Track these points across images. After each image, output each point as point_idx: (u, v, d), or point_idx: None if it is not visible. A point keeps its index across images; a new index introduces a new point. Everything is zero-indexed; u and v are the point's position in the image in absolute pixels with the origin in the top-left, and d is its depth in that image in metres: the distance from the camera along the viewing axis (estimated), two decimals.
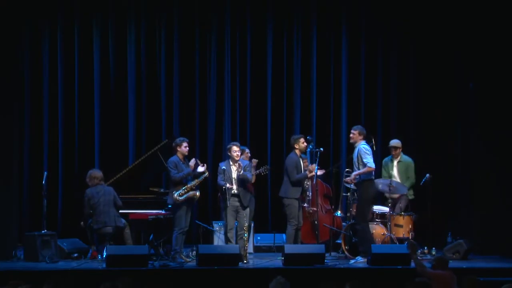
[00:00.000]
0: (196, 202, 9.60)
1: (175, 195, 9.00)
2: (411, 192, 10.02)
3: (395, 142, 10.12)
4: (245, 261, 8.79)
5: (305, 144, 9.45)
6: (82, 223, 9.30)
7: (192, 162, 9.20)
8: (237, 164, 9.24)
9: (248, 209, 9.25)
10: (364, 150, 9.05)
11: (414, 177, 10.01)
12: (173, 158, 9.22)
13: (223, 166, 9.24)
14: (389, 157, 10.16)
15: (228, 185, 9.05)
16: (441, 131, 11.29)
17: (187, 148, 9.30)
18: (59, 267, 8.65)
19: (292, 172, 9.31)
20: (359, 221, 9.17)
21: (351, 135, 9.24)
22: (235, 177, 9.21)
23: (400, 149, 10.08)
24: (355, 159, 9.12)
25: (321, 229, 9.66)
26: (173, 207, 9.16)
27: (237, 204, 9.15)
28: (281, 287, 5.36)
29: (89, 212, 9.17)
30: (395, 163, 10.06)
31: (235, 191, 9.15)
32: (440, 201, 10.49)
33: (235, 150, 9.28)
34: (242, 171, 9.15)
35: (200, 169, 9.19)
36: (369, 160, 8.98)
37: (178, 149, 9.25)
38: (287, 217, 9.36)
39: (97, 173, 9.39)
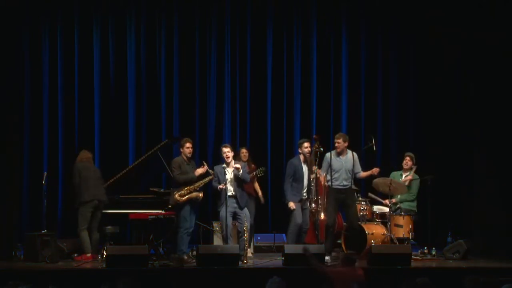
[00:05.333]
0: (196, 201, 9.53)
1: (176, 195, 8.98)
2: (414, 204, 9.94)
3: (412, 154, 10.11)
4: (245, 261, 8.79)
5: (309, 149, 9.39)
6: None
7: (201, 170, 9.12)
8: (230, 165, 9.18)
9: (246, 210, 9.21)
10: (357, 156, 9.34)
11: (415, 192, 9.91)
12: (177, 158, 9.17)
13: (216, 168, 9.18)
14: (399, 172, 10.10)
15: (220, 186, 8.99)
16: (441, 131, 11.28)
17: (189, 149, 9.24)
18: (59, 267, 8.65)
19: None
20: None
21: (336, 144, 9.23)
22: (231, 178, 9.11)
23: (412, 164, 10.02)
24: (349, 166, 9.14)
25: (321, 229, 9.65)
26: (176, 207, 9.13)
27: (235, 205, 9.09)
28: (276, 287, 5.35)
29: (78, 186, 9.21)
30: (403, 176, 10.01)
31: (232, 193, 9.10)
32: (440, 202, 10.49)
33: (224, 151, 9.19)
34: (241, 172, 9.10)
35: (200, 171, 9.14)
36: None
37: (181, 149, 9.22)
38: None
39: (88, 153, 9.60)
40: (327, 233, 9.20)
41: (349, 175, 9.15)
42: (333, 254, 9.32)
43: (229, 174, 9.12)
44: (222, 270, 8.17)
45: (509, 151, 10.04)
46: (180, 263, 8.55)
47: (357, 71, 11.60)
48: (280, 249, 9.23)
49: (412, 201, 9.91)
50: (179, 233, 9.01)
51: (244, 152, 9.97)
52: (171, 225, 9.42)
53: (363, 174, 9.37)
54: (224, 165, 9.16)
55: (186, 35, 11.43)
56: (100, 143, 11.19)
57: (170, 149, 10.22)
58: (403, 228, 9.58)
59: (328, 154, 9.30)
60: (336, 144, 9.22)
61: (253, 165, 10.00)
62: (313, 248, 8.76)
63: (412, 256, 8.67)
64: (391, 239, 9.37)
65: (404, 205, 9.83)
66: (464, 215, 10.61)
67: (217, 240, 10.07)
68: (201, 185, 9.14)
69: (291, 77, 11.55)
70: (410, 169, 9.98)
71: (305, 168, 9.33)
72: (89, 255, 9.09)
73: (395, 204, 9.79)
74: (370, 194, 9.92)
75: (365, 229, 9.30)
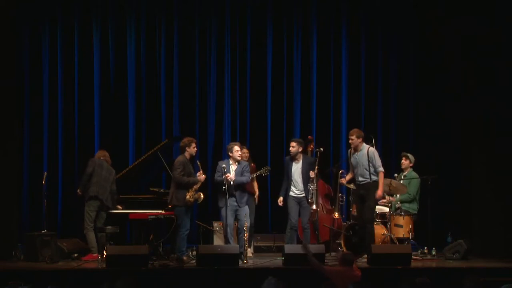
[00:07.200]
0: (195, 202, 9.54)
1: (187, 197, 8.98)
2: (415, 206, 9.94)
3: (408, 154, 10.11)
4: (245, 261, 8.79)
5: (294, 148, 9.31)
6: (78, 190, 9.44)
7: (203, 177, 9.15)
8: (237, 163, 9.21)
9: (247, 208, 9.23)
10: (375, 152, 9.14)
11: (414, 193, 9.92)
12: (180, 158, 9.15)
13: (223, 164, 9.17)
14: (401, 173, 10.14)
15: (228, 176, 8.98)
16: (441, 131, 11.28)
17: (196, 149, 9.27)
18: (59, 267, 8.65)
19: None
20: (370, 221, 9.17)
21: (350, 140, 9.22)
22: (234, 177, 9.15)
23: (410, 164, 10.04)
24: (364, 162, 9.10)
25: (321, 229, 9.67)
26: (177, 208, 9.12)
27: (235, 203, 9.13)
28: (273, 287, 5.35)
29: (88, 177, 9.25)
30: (402, 176, 10.03)
31: (233, 191, 9.12)
32: (440, 202, 10.48)
33: (237, 149, 9.24)
34: (234, 177, 9.10)
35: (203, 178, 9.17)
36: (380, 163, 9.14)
37: (187, 149, 9.18)
38: None
39: (105, 151, 9.66)
40: (356, 233, 9.25)
41: (365, 171, 9.06)
42: (332, 254, 9.35)
43: (233, 171, 9.16)
44: (222, 270, 8.17)
45: (508, 151, 10.04)
46: (180, 263, 8.55)
47: (357, 71, 11.60)
48: (280, 249, 9.24)
49: (410, 202, 9.90)
50: (181, 234, 9.01)
51: (245, 152, 9.98)
52: (171, 225, 9.41)
53: (381, 175, 9.17)
54: (231, 162, 9.19)
55: (186, 35, 11.44)
56: (100, 143, 11.17)
57: (170, 149, 10.22)
58: (403, 228, 9.58)
59: (348, 151, 9.35)
60: (350, 141, 9.23)
61: (252, 165, 10.01)
62: (313, 248, 8.78)
63: (412, 256, 8.67)
64: (391, 239, 9.38)
65: (403, 206, 9.84)
66: (464, 215, 10.61)
67: (217, 240, 10.07)
68: (197, 187, 9.17)
69: (291, 77, 11.55)
70: (409, 167, 10.01)
71: (295, 166, 9.32)
72: (95, 254, 9.10)
73: (394, 204, 9.80)
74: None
75: None
